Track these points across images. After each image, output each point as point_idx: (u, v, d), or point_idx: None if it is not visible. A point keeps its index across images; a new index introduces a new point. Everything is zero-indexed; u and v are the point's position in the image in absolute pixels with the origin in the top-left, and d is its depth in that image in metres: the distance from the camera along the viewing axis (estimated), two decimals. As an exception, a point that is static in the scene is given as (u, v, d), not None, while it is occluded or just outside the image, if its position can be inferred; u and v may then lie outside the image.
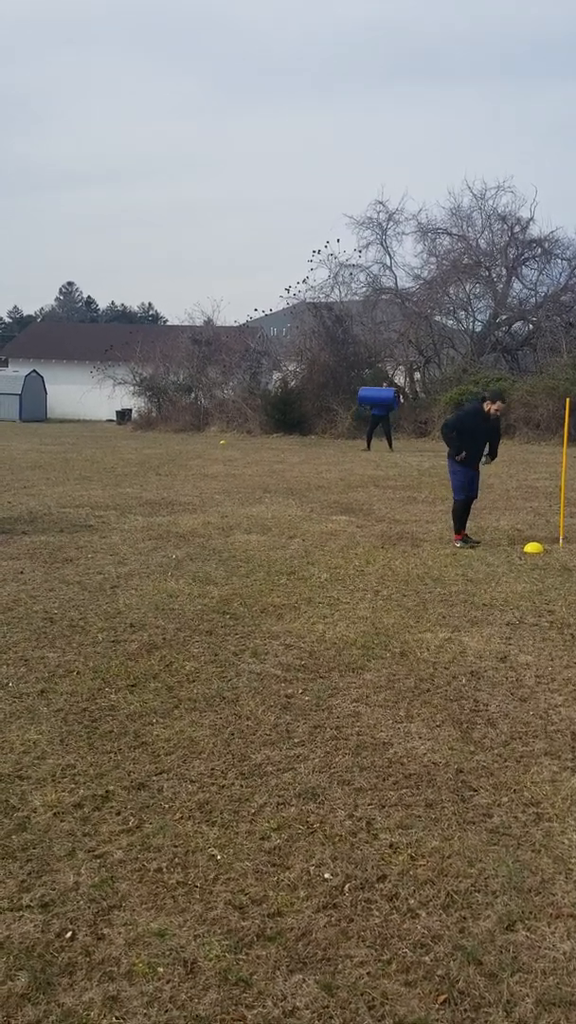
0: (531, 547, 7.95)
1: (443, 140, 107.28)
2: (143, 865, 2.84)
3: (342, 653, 4.93)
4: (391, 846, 2.95)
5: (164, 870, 2.81)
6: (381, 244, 28.26)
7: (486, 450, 8.21)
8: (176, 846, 2.95)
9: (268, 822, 3.09)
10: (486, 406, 8.00)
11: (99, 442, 22.41)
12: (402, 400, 19.93)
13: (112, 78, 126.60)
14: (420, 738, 3.79)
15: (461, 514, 8.19)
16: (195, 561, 7.25)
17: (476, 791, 3.32)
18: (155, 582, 6.50)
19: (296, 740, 3.77)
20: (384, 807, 3.20)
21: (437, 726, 3.93)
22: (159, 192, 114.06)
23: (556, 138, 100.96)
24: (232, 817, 3.13)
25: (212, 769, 3.49)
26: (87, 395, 33.26)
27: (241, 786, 3.35)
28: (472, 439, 8.04)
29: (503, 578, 6.80)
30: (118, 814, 3.15)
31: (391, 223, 28.01)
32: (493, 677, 4.57)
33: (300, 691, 4.34)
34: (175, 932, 2.50)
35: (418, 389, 27.26)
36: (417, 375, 27.71)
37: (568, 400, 9.08)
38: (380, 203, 28.21)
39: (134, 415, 31.48)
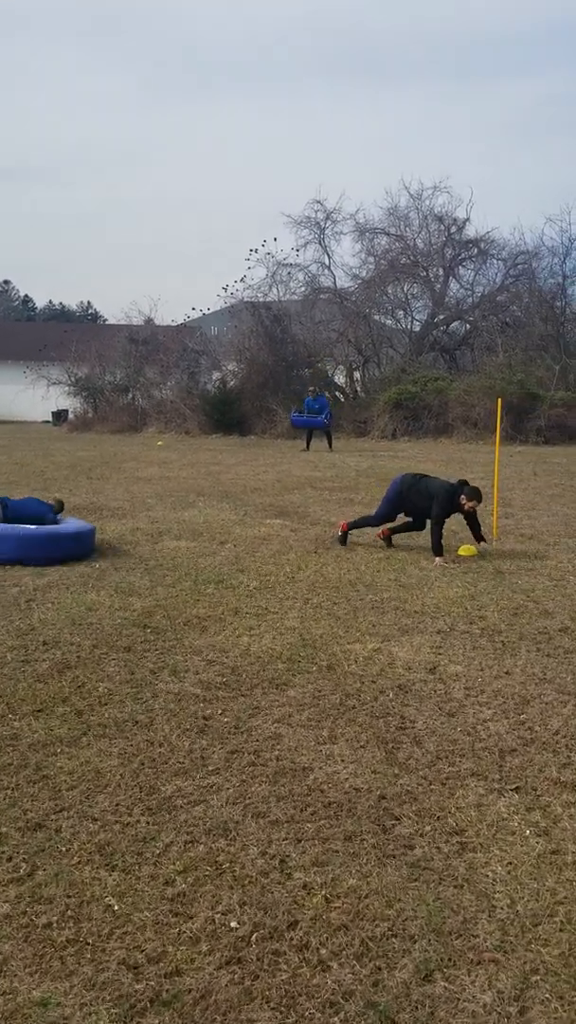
0: (464, 550, 7.86)
1: (379, 140, 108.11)
2: (31, 920, 2.57)
3: (266, 668, 4.70)
4: (305, 887, 2.74)
5: (54, 925, 2.55)
6: (319, 243, 28.22)
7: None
8: (70, 896, 2.68)
9: (173, 864, 2.85)
10: (463, 500, 7.53)
11: (31, 444, 21.80)
12: (328, 420, 19.89)
13: (45, 70, 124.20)
14: (343, 761, 3.59)
15: (365, 524, 8.21)
16: (119, 571, 6.95)
17: (398, 820, 3.13)
18: (74, 594, 6.19)
19: (211, 768, 3.53)
20: (300, 841, 2.99)
21: (361, 747, 3.74)
22: (98, 189, 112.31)
23: (492, 139, 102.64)
24: (134, 860, 2.88)
25: (117, 805, 3.23)
26: (20, 396, 32.39)
27: (147, 823, 3.10)
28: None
29: (435, 583, 6.67)
30: (9, 860, 2.87)
31: (329, 222, 28.00)
32: (421, 690, 4.40)
33: (219, 712, 4.11)
34: (60, 1000, 2.25)
35: (358, 388, 27.25)
36: (356, 374, 27.70)
37: (500, 400, 9.03)
38: (318, 202, 28.15)
39: (71, 416, 30.80)
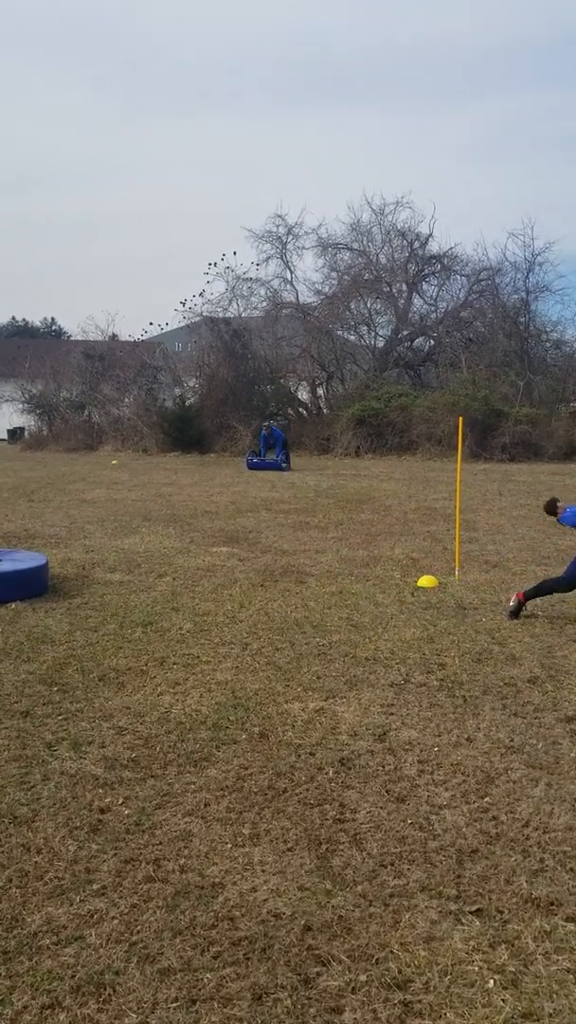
0: (425, 580, 7.21)
1: (341, 155, 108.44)
2: None
3: (186, 738, 3.98)
4: None
5: None
6: (281, 258, 27.65)
7: None
8: None
9: (19, 1048, 2.12)
10: None
11: (-21, 464, 20.87)
12: (286, 464, 18.98)
13: (10, 84, 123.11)
14: (263, 872, 2.88)
15: (553, 590, 6.29)
16: (37, 611, 6.19)
17: (326, 965, 2.43)
18: (-21, 642, 5.42)
19: (96, 886, 2.80)
20: (194, 1004, 2.27)
21: (288, 850, 3.03)
22: (60, 203, 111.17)
23: (454, 154, 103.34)
24: (-32, 1042, 2.15)
25: (-37, 949, 2.49)
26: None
27: (-3, 979, 2.37)
28: None
29: (391, 622, 6.00)
30: None
31: (291, 237, 27.47)
32: (367, 765, 3.71)
33: (120, 801, 3.38)
34: None
35: (321, 405, 26.68)
36: (320, 390, 27.14)
37: (462, 419, 8.43)
38: (279, 216, 27.62)
39: (26, 435, 29.84)
